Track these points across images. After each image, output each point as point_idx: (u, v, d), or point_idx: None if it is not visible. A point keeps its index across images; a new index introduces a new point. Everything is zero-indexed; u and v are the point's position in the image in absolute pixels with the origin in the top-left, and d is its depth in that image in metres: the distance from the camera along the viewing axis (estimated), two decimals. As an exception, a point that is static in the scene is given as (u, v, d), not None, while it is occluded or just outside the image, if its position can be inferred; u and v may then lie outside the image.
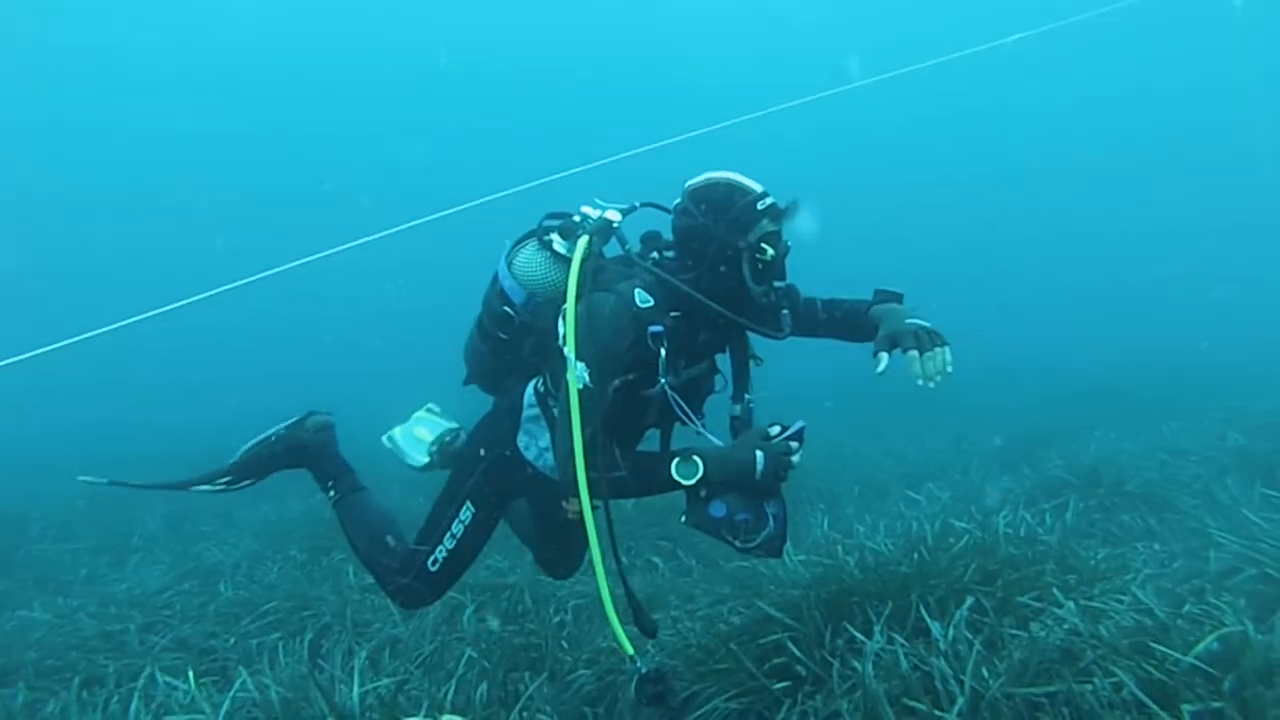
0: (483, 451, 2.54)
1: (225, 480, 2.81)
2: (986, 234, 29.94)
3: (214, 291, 2.18)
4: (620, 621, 1.96)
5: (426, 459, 2.88)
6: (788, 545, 2.26)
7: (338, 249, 2.38)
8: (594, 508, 2.00)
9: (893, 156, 31.02)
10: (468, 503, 2.51)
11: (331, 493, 2.81)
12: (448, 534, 2.49)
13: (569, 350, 2.04)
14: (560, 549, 2.84)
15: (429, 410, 3.22)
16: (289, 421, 2.90)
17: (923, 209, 30.74)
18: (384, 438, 3.07)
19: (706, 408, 2.45)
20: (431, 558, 2.50)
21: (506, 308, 2.40)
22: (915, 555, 3.26)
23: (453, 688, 2.74)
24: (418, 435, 3.07)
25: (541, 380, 2.41)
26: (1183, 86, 28.45)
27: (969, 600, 2.68)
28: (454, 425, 2.88)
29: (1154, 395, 9.63)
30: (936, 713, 2.08)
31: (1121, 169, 30.31)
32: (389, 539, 2.67)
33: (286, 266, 2.31)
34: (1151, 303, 21.74)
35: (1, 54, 26.29)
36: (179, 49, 29.12)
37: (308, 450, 2.86)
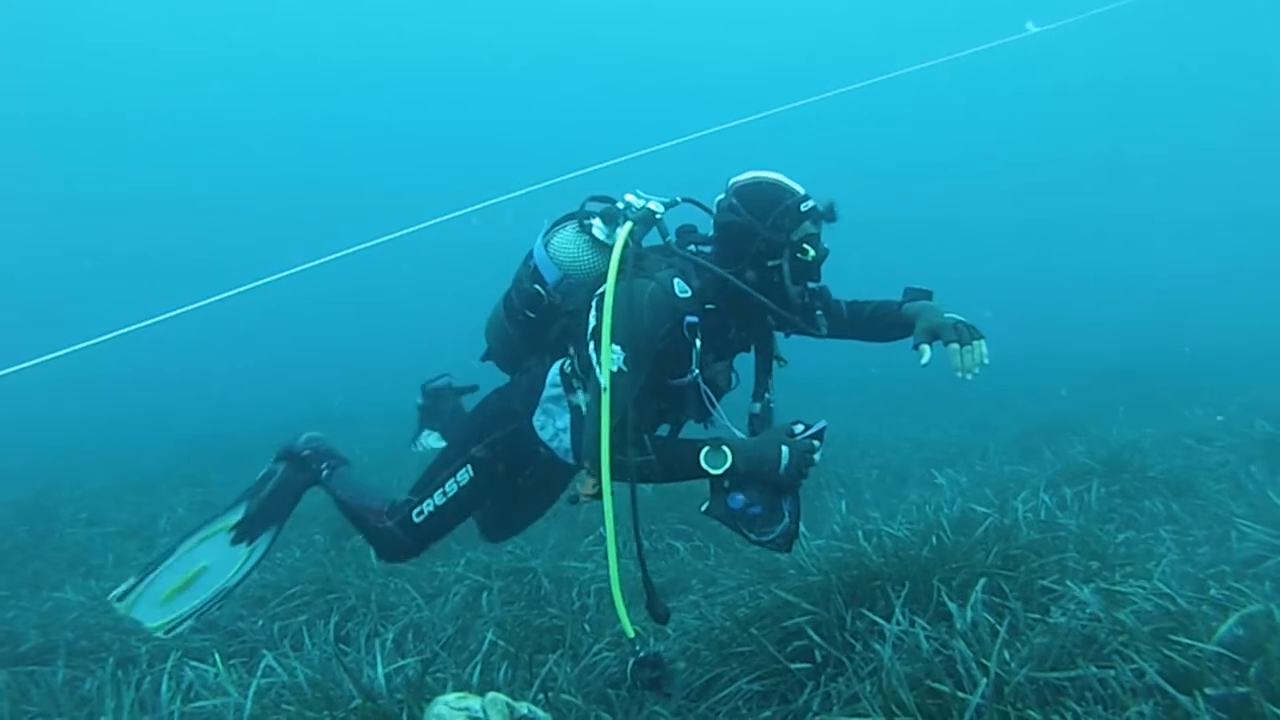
0: (497, 423, 2.56)
1: (240, 522, 2.85)
2: (1004, 224, 29.64)
3: (240, 290, 2.23)
4: (633, 606, 2.00)
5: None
6: (800, 534, 2.29)
7: (348, 251, 2.43)
8: (612, 493, 2.03)
9: (906, 148, 30.75)
10: (469, 466, 2.54)
11: (324, 472, 2.93)
12: (440, 490, 2.54)
13: (605, 333, 2.06)
14: (514, 515, 2.88)
15: None
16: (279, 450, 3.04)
17: (939, 199, 30.48)
18: (415, 447, 3.26)
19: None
20: (419, 509, 2.55)
21: (538, 286, 2.42)
22: (935, 540, 3.26)
23: (478, 669, 2.78)
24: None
25: (569, 361, 2.42)
26: (1209, 75, 27.91)
27: (986, 581, 2.68)
28: None
29: (1174, 383, 9.52)
30: (960, 694, 2.09)
31: (1139, 157, 29.89)
32: (371, 490, 2.77)
33: (305, 266, 2.35)
34: (1169, 291, 21.45)
35: (27, 51, 26.63)
36: (190, 44, 29.38)
37: (303, 455, 2.98)
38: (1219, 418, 5.92)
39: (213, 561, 2.83)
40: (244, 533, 2.86)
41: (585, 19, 30.72)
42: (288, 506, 2.97)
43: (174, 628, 2.75)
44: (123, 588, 2.72)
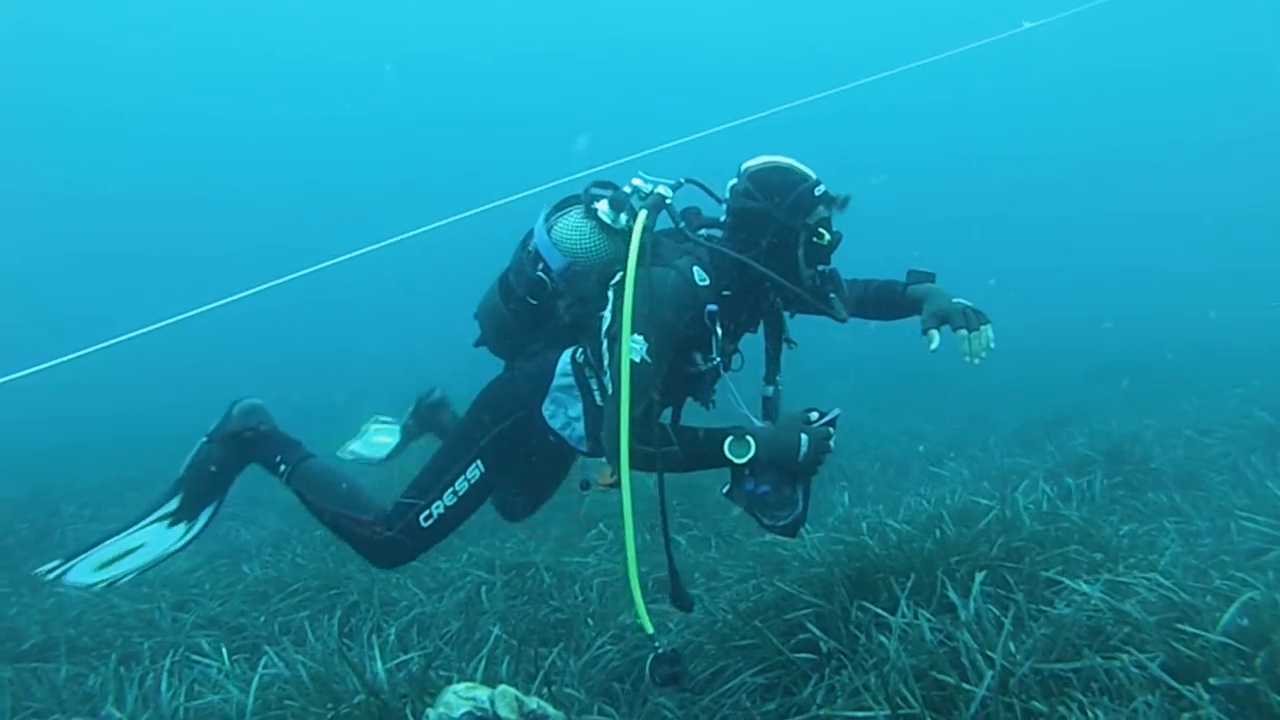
0: (502, 413, 2.48)
1: (177, 509, 2.67)
2: (1003, 216, 29.62)
3: (240, 295, 2.22)
4: (649, 599, 1.99)
5: (389, 451, 3.02)
6: (805, 525, 2.31)
7: (349, 255, 2.42)
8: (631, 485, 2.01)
9: (904, 144, 30.72)
10: (478, 461, 2.43)
11: (282, 468, 2.67)
12: (449, 490, 2.42)
13: (625, 322, 2.02)
14: (532, 498, 2.78)
15: (379, 421, 3.29)
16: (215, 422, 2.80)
17: (938, 192, 30.47)
18: (341, 453, 3.10)
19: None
20: (426, 512, 2.41)
21: (541, 273, 2.36)
22: (938, 532, 3.26)
23: (482, 663, 2.78)
24: (378, 442, 3.14)
25: (580, 350, 2.36)
26: (1206, 72, 27.86)
27: (988, 572, 2.68)
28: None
29: (1172, 375, 9.52)
30: (965, 686, 2.09)
31: (1134, 151, 29.86)
32: (356, 496, 2.57)
33: (313, 269, 2.35)
34: (1166, 285, 21.41)
35: (27, 51, 26.59)
36: (198, 41, 29.32)
37: (243, 437, 2.72)
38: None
39: (150, 541, 2.66)
40: (181, 517, 2.70)
41: (585, 17, 30.62)
42: (228, 484, 2.78)
43: (111, 584, 2.58)
44: (48, 568, 2.54)
